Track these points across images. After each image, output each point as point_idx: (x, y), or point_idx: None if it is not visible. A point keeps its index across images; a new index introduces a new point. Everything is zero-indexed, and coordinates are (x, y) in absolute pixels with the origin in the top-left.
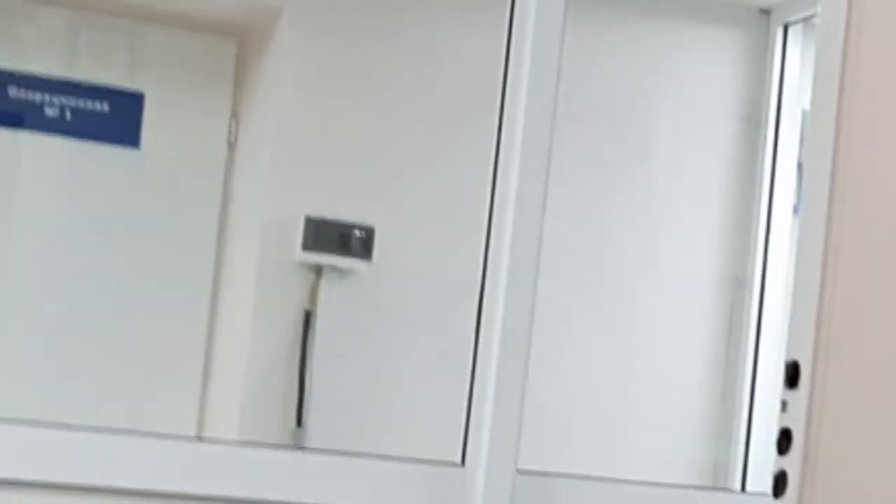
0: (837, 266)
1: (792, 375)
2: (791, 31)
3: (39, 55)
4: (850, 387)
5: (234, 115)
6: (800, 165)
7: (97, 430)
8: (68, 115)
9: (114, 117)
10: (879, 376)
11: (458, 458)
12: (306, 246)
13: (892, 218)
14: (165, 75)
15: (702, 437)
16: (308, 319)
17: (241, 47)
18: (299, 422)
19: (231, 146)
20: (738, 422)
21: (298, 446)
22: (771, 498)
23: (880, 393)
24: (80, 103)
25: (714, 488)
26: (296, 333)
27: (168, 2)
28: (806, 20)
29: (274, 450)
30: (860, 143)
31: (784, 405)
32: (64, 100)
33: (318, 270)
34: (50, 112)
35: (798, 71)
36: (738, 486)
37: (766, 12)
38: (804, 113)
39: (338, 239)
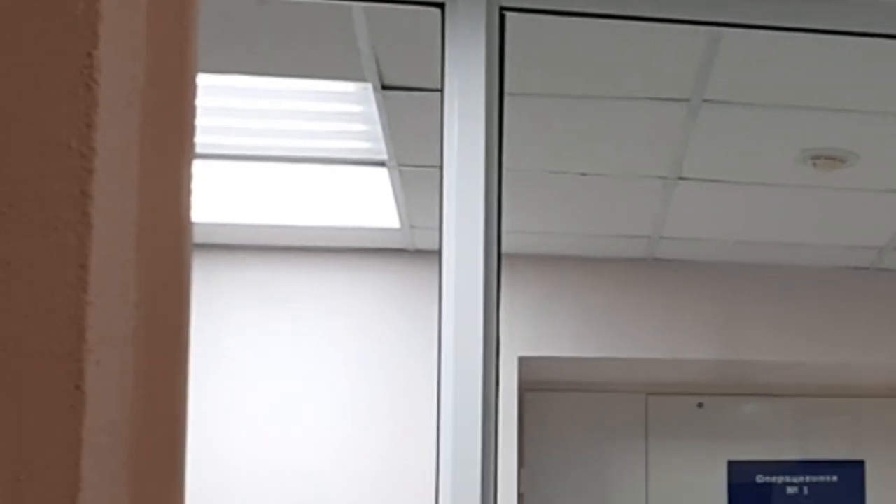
0: None
1: None
2: None
3: (776, 443)
4: None
5: None
6: None
7: None
8: (805, 490)
9: (841, 486)
10: None
11: None
12: None
13: None
14: (882, 441)
15: None
16: None
17: None
18: None
19: None
20: None
21: None
22: None
23: None
24: (814, 479)
25: None
26: None
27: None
28: None
29: None
30: None
31: None
32: (800, 478)
33: None
34: (790, 490)
35: None
36: None
37: None
38: None
39: None
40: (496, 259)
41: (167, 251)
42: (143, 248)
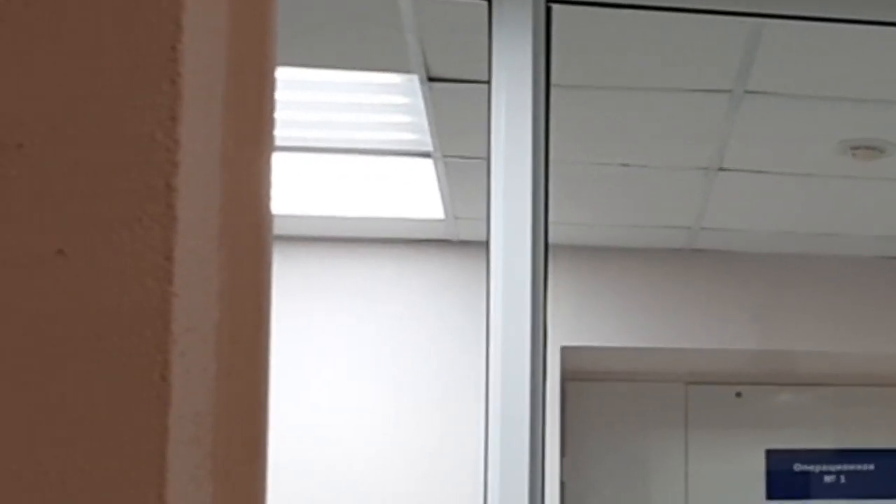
0: None
1: None
2: None
3: (814, 432)
4: None
5: None
6: None
7: None
8: (842, 479)
9: (879, 474)
10: None
11: None
12: None
13: None
14: None
15: None
16: None
17: None
18: None
19: None
20: None
21: None
22: None
23: None
24: (851, 467)
25: None
26: None
27: None
28: None
29: None
30: None
31: None
32: (838, 467)
33: None
34: (828, 479)
35: None
36: None
37: None
38: None
39: None
40: (543, 250)
41: (248, 243)
42: (225, 239)
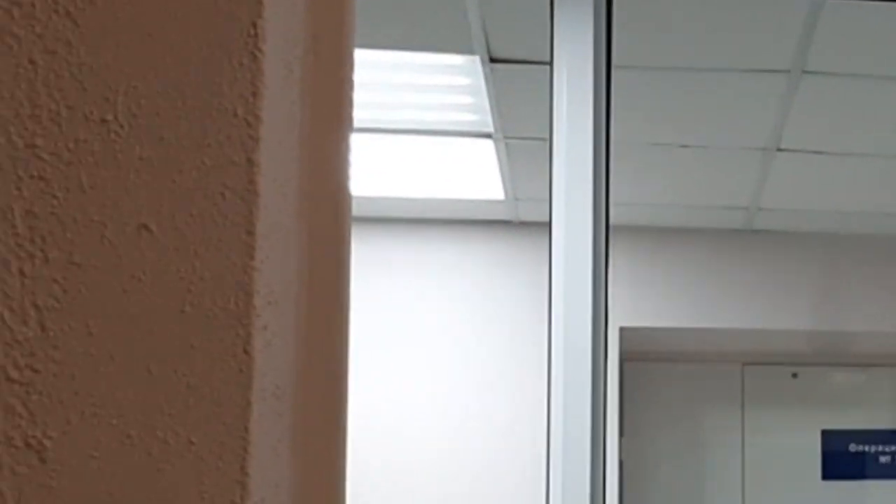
0: None
1: None
2: None
3: (869, 413)
4: None
5: None
6: None
7: None
8: None
9: None
10: None
11: None
12: None
13: None
14: None
15: None
16: None
17: None
18: None
19: None
20: None
21: None
22: None
23: None
24: None
25: None
26: None
27: None
28: None
29: None
30: None
31: None
32: (893, 447)
33: None
34: (883, 459)
35: None
36: None
37: None
38: None
39: None
40: (604, 231)
41: (327, 218)
42: (304, 214)
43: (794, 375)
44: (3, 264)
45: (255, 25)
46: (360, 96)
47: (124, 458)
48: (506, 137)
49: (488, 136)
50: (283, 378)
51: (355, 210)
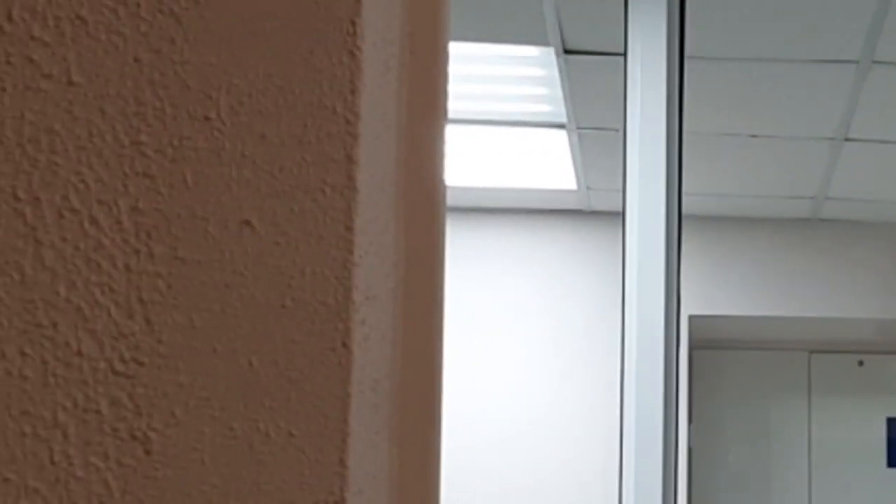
0: None
1: None
2: None
3: None
4: None
5: None
6: None
7: None
8: None
9: None
10: None
11: None
12: None
13: None
14: None
15: None
16: None
17: None
18: None
19: None
20: None
21: None
22: None
23: None
24: None
25: None
26: None
27: None
28: None
29: None
30: None
31: None
32: None
33: None
34: None
35: None
36: None
37: None
38: None
39: None
40: (677, 220)
41: (423, 213)
42: (401, 209)
43: (861, 363)
44: (109, 259)
45: (353, 24)
46: None
47: (227, 450)
48: (579, 128)
49: (562, 126)
50: (381, 371)
51: None
